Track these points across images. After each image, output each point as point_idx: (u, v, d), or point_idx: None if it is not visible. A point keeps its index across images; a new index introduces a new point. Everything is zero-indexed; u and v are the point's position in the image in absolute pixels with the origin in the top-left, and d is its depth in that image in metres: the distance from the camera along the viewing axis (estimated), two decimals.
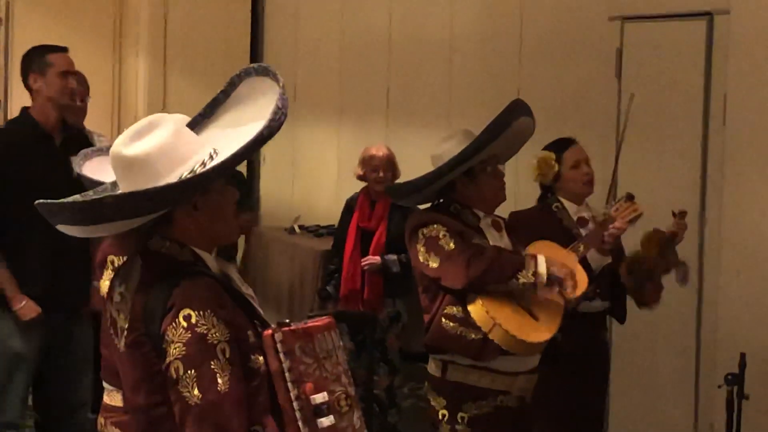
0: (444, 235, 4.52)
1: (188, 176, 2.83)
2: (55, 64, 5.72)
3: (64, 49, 5.85)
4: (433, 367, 4.68)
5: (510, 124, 4.51)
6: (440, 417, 4.61)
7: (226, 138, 3.01)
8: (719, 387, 4.95)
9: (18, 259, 5.59)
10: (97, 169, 4.37)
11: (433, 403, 4.67)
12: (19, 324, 5.61)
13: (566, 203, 5.24)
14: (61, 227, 2.91)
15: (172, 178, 2.84)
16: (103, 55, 10.89)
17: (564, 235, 5.03)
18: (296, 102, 11.03)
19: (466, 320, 4.47)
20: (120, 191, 2.93)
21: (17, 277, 5.60)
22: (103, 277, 4.08)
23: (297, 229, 10.00)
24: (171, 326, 2.79)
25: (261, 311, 3.04)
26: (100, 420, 4.24)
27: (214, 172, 2.83)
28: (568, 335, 5.01)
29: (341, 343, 3.10)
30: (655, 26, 6.89)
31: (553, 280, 4.46)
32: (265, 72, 3.04)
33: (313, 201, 10.72)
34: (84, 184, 4.31)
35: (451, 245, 4.49)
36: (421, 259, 4.57)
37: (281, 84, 2.96)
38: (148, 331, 2.84)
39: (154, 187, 2.78)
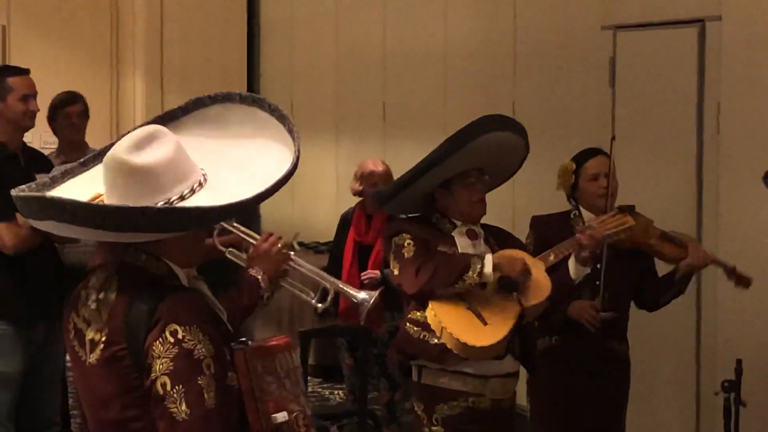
0: (408, 244, 4.66)
1: (231, 203, 2.84)
2: (15, 88, 5.73)
3: (25, 71, 5.84)
4: (413, 373, 4.80)
5: (470, 140, 4.53)
6: (420, 419, 4.74)
7: (216, 163, 3.03)
8: (716, 394, 4.93)
9: None
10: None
11: (415, 408, 4.80)
12: (4, 343, 5.63)
13: (585, 212, 5.26)
14: (48, 224, 2.85)
15: (173, 194, 2.84)
16: (100, 76, 10.87)
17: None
18: (293, 120, 11.01)
19: (428, 325, 4.60)
20: (109, 196, 2.88)
21: None
22: None
23: (296, 246, 9.96)
24: (158, 341, 2.78)
25: (229, 327, 3.05)
26: None
27: (247, 203, 2.86)
28: (570, 340, 5.04)
29: (299, 364, 3.14)
30: (647, 35, 6.90)
31: (506, 281, 4.54)
32: (279, 117, 3.12)
33: (313, 218, 10.71)
34: None
35: (411, 253, 4.64)
36: (391, 266, 4.76)
37: (296, 141, 3.06)
38: (130, 346, 2.82)
39: (198, 207, 2.81)
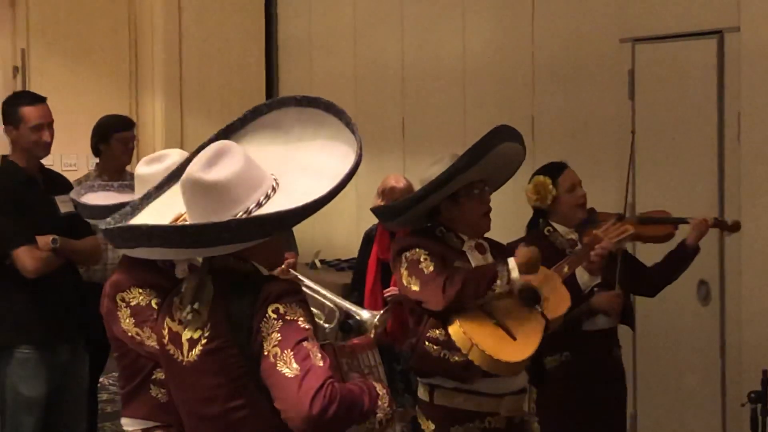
0: (425, 259, 4.56)
1: (308, 202, 3.01)
2: (27, 118, 5.72)
3: (41, 100, 5.82)
4: (422, 392, 4.73)
5: (490, 150, 4.51)
6: None
7: (284, 166, 3.20)
8: (742, 405, 4.91)
9: (18, 300, 5.64)
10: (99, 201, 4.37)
11: (423, 427, 4.72)
12: (27, 367, 5.65)
13: (557, 226, 5.26)
14: (141, 251, 3.05)
15: (250, 203, 3.03)
16: (119, 97, 10.90)
17: (560, 257, 5.05)
18: None
19: (449, 343, 4.50)
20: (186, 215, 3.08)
21: (17, 317, 5.65)
22: (120, 318, 4.06)
23: (318, 264, 9.99)
24: (263, 322, 2.98)
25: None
26: None
27: (323, 199, 3.06)
28: (580, 354, 5.03)
29: (380, 361, 3.36)
30: (665, 46, 6.90)
31: (529, 293, 4.51)
32: (335, 113, 3.23)
33: (333, 235, 10.72)
34: (80, 212, 4.36)
35: (431, 268, 4.54)
36: (404, 282, 4.62)
37: (356, 134, 3.18)
38: (235, 336, 3.01)
39: (278, 212, 2.98)
